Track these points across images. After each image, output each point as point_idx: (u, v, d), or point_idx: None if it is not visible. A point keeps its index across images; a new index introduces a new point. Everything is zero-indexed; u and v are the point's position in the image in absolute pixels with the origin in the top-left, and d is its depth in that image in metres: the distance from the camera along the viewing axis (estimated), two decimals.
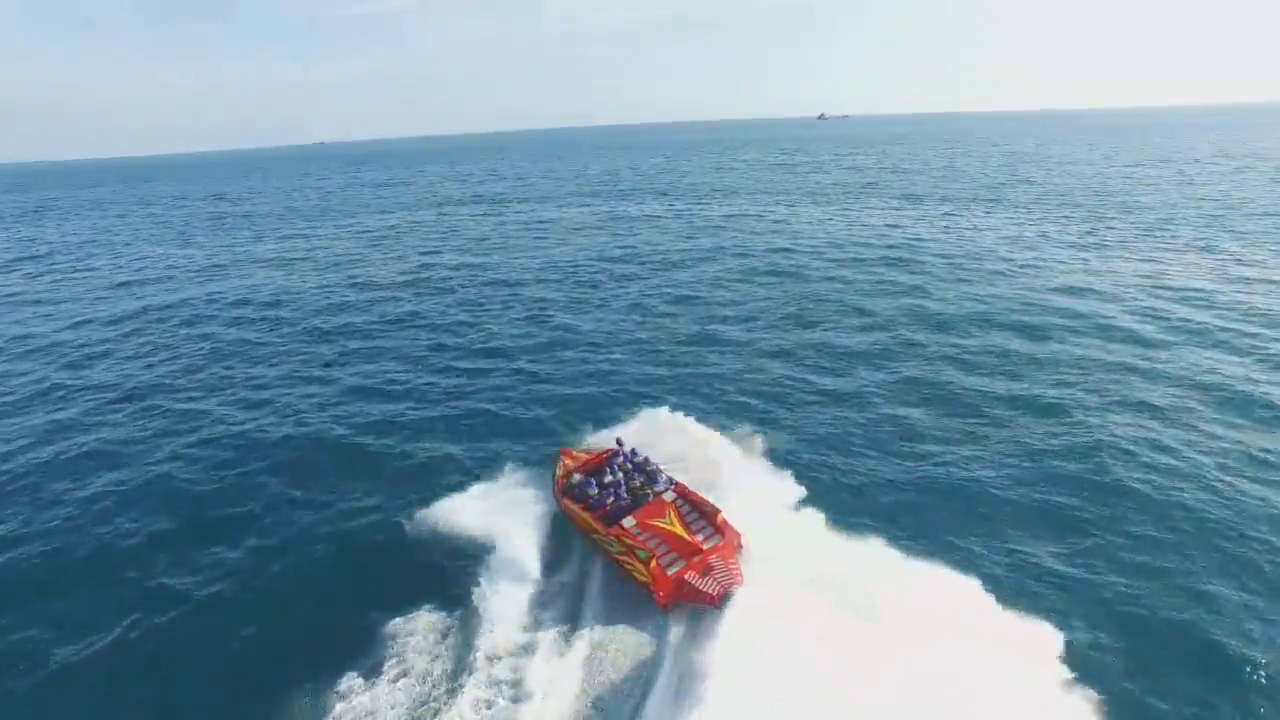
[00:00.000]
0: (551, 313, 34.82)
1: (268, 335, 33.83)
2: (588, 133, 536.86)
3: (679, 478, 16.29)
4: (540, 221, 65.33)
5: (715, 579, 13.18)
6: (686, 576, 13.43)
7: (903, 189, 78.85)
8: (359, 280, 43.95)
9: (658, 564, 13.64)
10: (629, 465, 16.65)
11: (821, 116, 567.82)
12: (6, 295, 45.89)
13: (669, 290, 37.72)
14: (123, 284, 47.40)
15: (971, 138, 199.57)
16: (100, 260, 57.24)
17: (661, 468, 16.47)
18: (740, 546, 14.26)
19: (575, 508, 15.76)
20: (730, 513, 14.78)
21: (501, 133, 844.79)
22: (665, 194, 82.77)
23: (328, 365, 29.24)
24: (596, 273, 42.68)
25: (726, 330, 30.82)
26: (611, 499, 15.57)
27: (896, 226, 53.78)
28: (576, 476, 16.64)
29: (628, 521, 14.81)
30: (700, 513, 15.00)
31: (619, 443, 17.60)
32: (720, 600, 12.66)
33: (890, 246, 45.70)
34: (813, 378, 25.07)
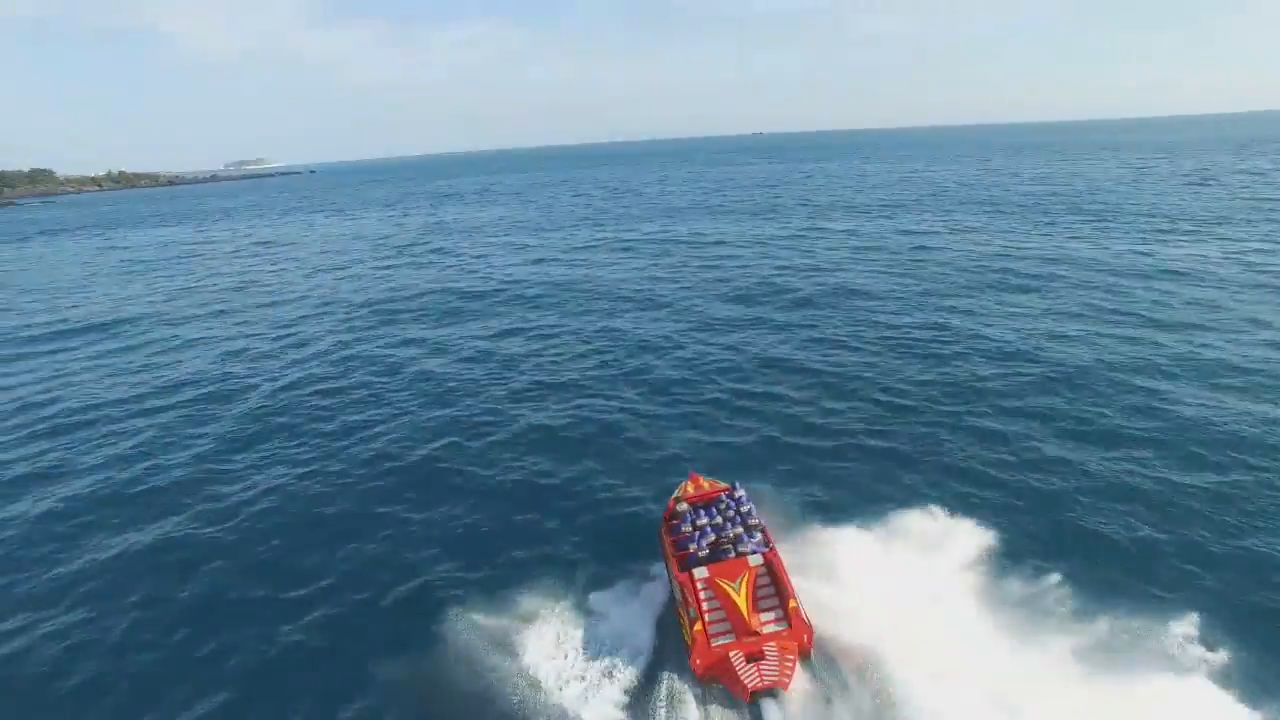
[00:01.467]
0: None
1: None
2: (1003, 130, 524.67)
3: (782, 549, 14.72)
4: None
5: (760, 671, 11.84)
6: (731, 654, 12.30)
7: None
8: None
9: (705, 629, 12.71)
10: (732, 512, 15.54)
11: None
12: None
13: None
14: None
15: None
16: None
17: (764, 526, 15.33)
18: (808, 644, 12.69)
19: (666, 539, 15.42)
20: (817, 603, 13.35)
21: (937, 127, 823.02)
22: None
23: None
24: None
25: None
26: (697, 543, 14.68)
27: None
28: (683, 505, 15.99)
29: (700, 572, 13.83)
30: (777, 591, 13.53)
31: (734, 487, 16.47)
32: (753, 697, 11.51)
33: None
34: None
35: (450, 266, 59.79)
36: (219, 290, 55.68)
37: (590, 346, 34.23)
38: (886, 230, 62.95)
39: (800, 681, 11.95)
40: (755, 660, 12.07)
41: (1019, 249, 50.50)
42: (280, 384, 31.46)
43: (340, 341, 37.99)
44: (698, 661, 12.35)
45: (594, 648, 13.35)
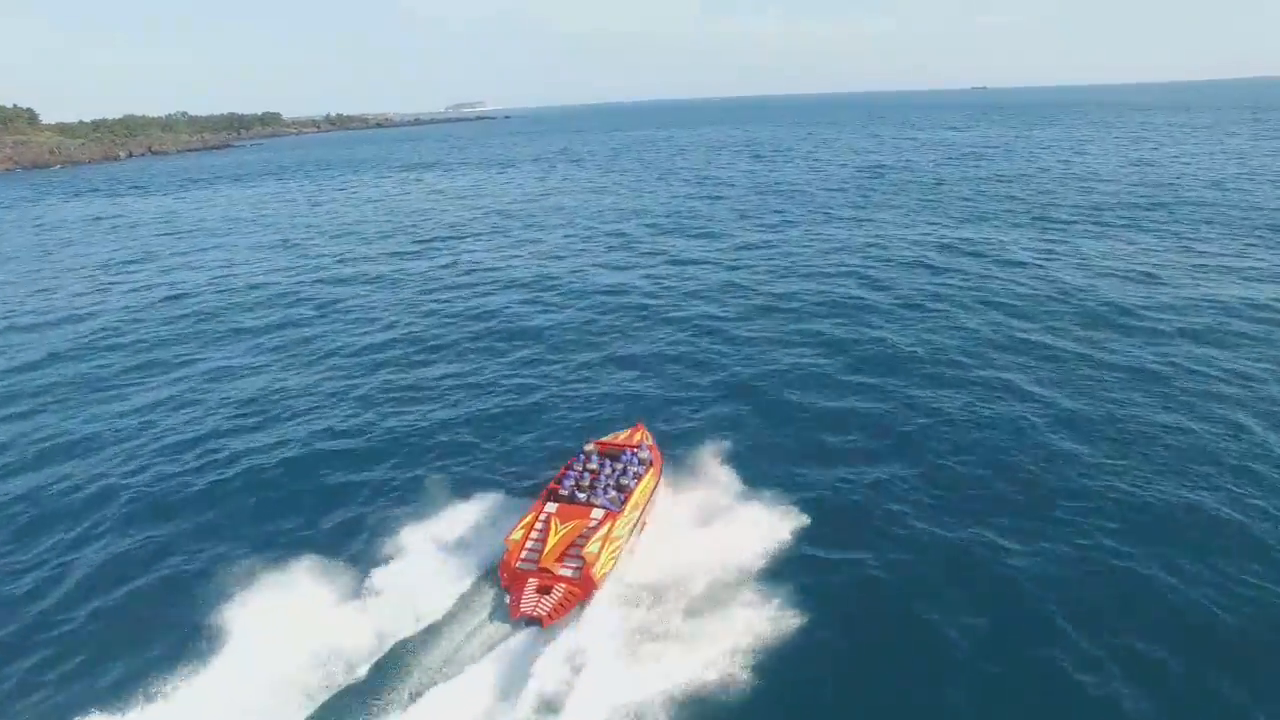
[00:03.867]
0: None
1: None
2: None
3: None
4: None
5: (537, 600, 13.94)
6: (529, 581, 14.41)
7: None
8: None
9: (517, 549, 14.94)
10: (621, 466, 17.52)
11: None
12: None
13: None
14: None
15: None
16: None
17: (631, 487, 16.70)
18: (588, 596, 14.35)
19: (562, 469, 17.75)
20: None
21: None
22: None
23: None
24: None
25: None
26: (570, 480, 16.91)
27: None
28: (590, 447, 18.23)
29: (550, 506, 16.08)
30: (593, 542, 14.87)
31: (639, 448, 18.24)
32: (518, 618, 13.86)
33: None
34: None
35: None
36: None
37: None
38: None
39: (561, 624, 13.81)
40: (541, 591, 14.13)
41: None
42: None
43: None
44: (503, 572, 14.80)
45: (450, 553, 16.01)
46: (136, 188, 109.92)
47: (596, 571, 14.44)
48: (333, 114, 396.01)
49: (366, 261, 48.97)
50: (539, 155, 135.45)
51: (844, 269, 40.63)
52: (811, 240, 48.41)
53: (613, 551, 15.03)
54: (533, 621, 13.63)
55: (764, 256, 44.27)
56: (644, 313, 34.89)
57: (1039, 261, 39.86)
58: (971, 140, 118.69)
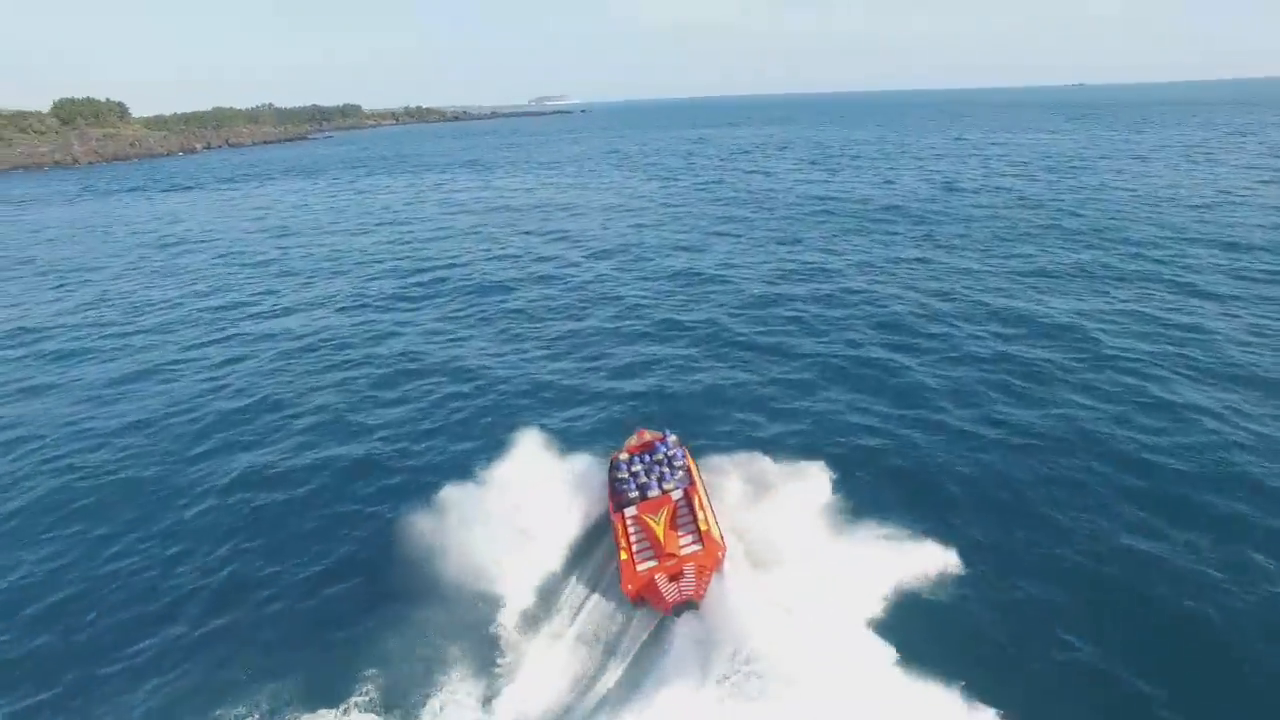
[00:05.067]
0: None
1: None
2: None
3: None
4: None
5: (679, 587, 13.72)
6: (655, 577, 14.09)
7: None
8: None
9: (631, 558, 14.71)
10: (661, 455, 17.66)
11: None
12: None
13: None
14: None
15: None
16: None
17: (688, 466, 17.31)
18: (720, 561, 14.50)
19: (610, 487, 17.25)
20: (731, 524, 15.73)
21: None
22: None
23: None
24: None
25: None
26: (629, 486, 16.67)
27: None
28: (624, 455, 18.04)
29: (629, 510, 16.02)
30: (694, 518, 15.43)
31: (665, 434, 18.57)
32: (674, 609, 13.41)
33: None
34: None
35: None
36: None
37: None
38: None
39: (714, 591, 13.81)
40: (676, 579, 13.96)
41: None
42: None
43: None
44: (628, 586, 14.31)
45: (549, 587, 15.14)
46: (181, 185, 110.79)
47: (715, 534, 15.03)
48: (410, 106, 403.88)
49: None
50: (577, 157, 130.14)
51: (873, 321, 33.05)
52: (860, 276, 40.76)
53: (713, 516, 15.75)
54: (686, 606, 13.55)
55: (807, 283, 37.16)
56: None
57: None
58: (1068, 147, 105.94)
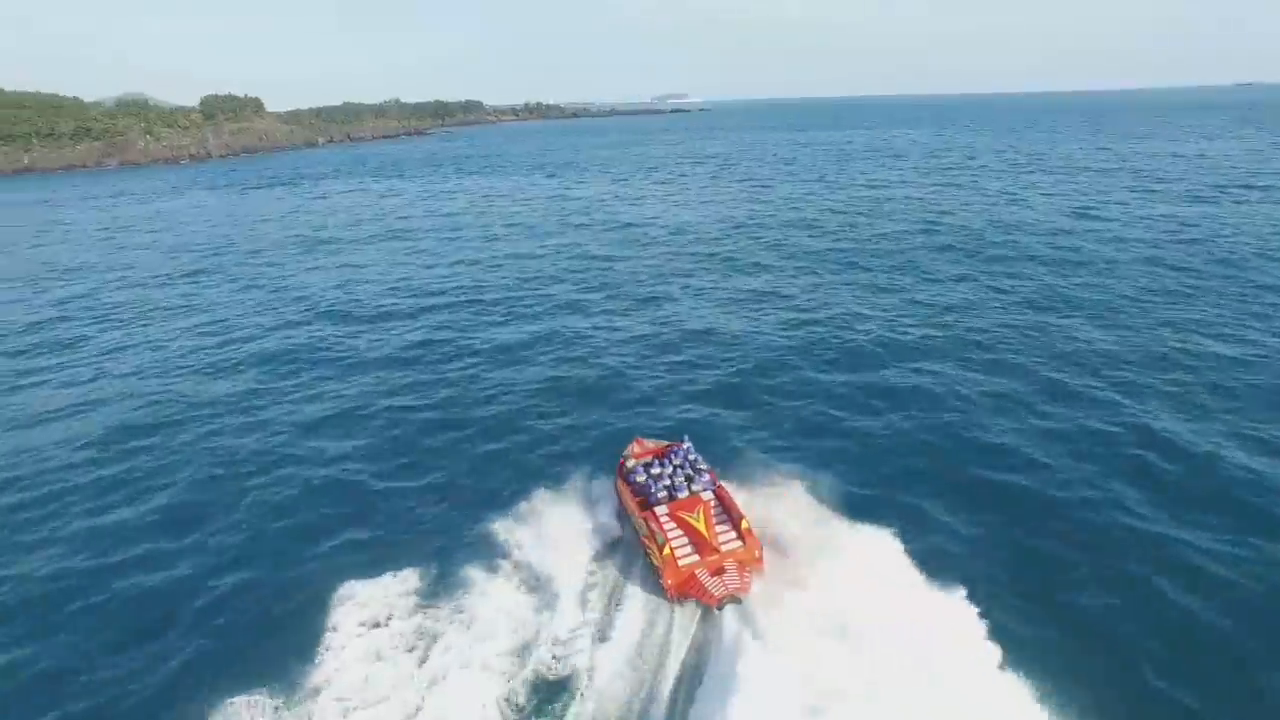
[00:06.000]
0: None
1: None
2: None
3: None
4: None
5: (724, 582, 14.14)
6: (697, 572, 14.59)
7: None
8: None
9: (673, 552, 14.97)
10: (680, 460, 18.14)
11: None
12: None
13: None
14: None
15: None
16: None
17: (710, 470, 17.86)
18: (759, 557, 15.20)
19: (624, 489, 17.76)
20: (760, 521, 16.11)
21: None
22: None
23: None
24: None
25: None
26: (655, 487, 17.07)
27: None
28: (632, 462, 18.43)
29: (660, 509, 16.41)
30: (729, 517, 16.07)
31: (682, 440, 19.14)
32: (721, 604, 13.76)
33: None
34: None
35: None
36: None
37: None
38: None
39: (756, 587, 14.29)
40: (719, 574, 14.41)
41: None
42: None
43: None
44: (669, 582, 14.62)
45: (575, 587, 15.46)
46: (277, 182, 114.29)
47: (755, 532, 15.54)
48: (530, 103, 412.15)
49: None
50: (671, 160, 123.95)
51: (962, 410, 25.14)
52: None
53: (743, 513, 16.12)
54: (731, 600, 13.75)
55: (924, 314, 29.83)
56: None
57: None
58: (1237, 157, 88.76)
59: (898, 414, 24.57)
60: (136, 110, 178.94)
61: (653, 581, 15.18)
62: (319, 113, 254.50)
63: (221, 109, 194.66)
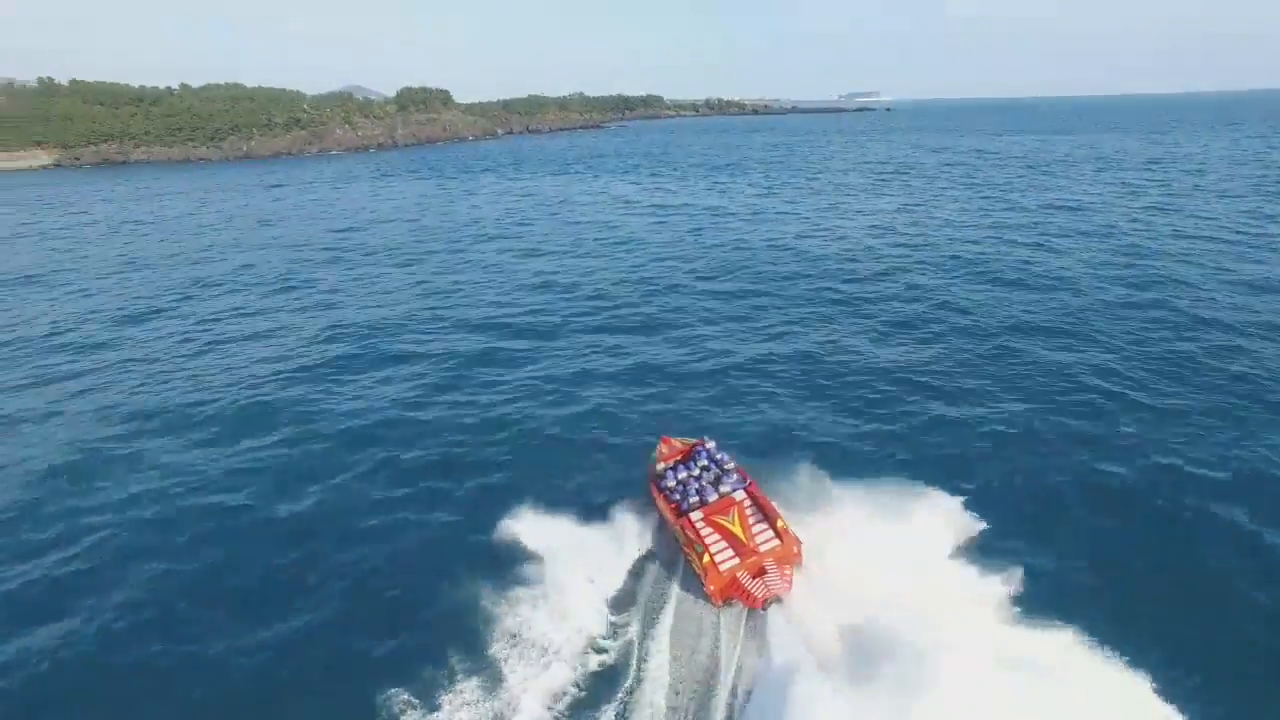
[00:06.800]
0: None
1: None
2: None
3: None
4: None
5: (765, 583, 13.71)
6: (739, 575, 14.01)
7: None
8: None
9: (713, 559, 14.28)
10: (706, 460, 17.35)
11: None
12: None
13: None
14: None
15: None
16: None
17: (738, 468, 17.06)
18: (798, 555, 14.58)
19: (658, 496, 16.90)
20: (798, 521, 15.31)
21: None
22: None
23: None
24: None
25: None
26: (684, 492, 16.42)
27: None
28: (661, 465, 17.67)
29: (695, 515, 15.63)
30: (764, 516, 15.38)
31: (704, 439, 18.15)
32: (765, 605, 13.46)
33: None
34: None
35: None
36: None
37: None
38: None
39: (797, 585, 13.90)
40: (760, 576, 13.86)
41: None
42: None
43: None
44: (712, 588, 14.06)
45: (620, 595, 14.92)
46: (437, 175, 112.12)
47: (791, 530, 14.90)
48: (711, 99, 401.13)
49: None
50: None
51: None
52: None
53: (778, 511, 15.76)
54: (773, 600, 13.55)
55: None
56: None
57: None
58: None
59: None
60: (340, 102, 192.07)
61: (697, 586, 14.61)
62: (505, 105, 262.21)
63: (413, 100, 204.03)
